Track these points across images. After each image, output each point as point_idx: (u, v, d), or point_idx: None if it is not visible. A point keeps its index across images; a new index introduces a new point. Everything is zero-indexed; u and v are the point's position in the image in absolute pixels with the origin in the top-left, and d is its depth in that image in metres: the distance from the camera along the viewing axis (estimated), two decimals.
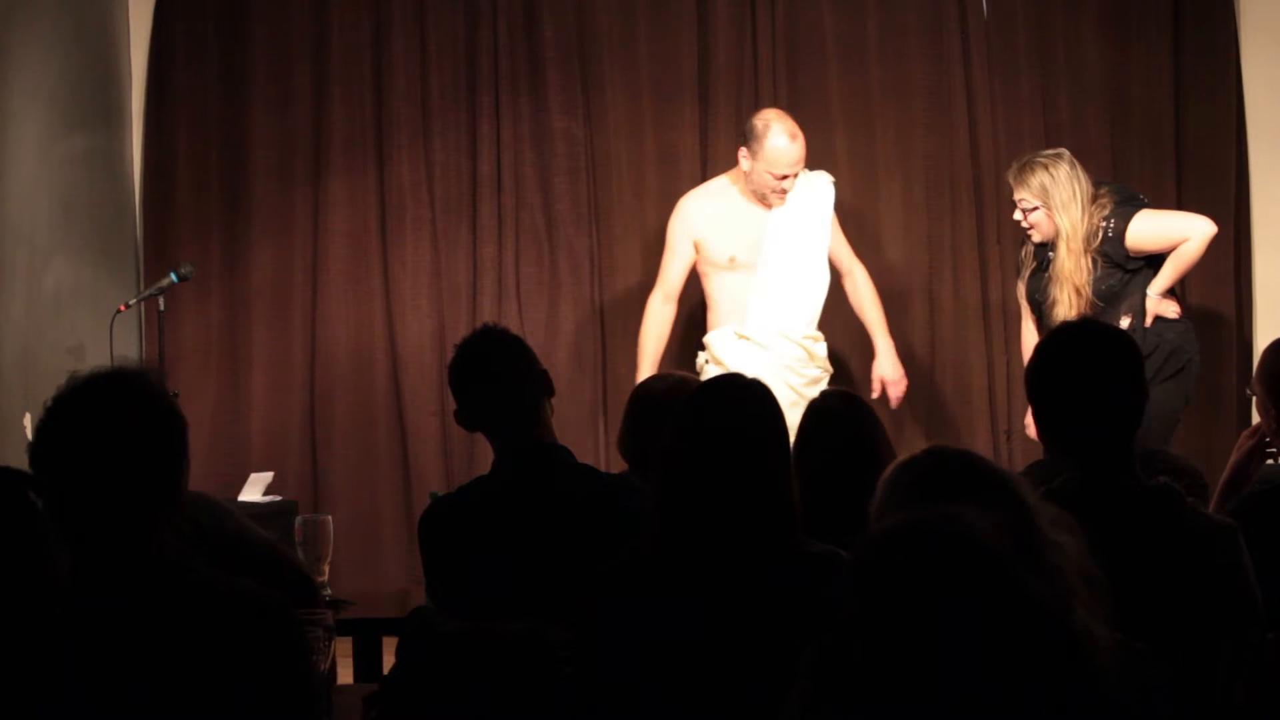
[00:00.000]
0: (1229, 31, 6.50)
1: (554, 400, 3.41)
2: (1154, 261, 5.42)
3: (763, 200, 5.57)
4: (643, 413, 3.84)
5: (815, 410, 3.56)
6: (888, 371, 5.75)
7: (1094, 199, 5.37)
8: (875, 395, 5.69)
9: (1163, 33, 6.51)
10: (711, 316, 5.68)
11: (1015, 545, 1.73)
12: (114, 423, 2.13)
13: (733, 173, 5.68)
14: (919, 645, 1.57)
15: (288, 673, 2.20)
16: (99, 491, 2.13)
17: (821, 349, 5.66)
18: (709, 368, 5.58)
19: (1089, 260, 5.34)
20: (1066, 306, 5.34)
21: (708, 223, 5.62)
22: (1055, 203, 5.33)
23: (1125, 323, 5.34)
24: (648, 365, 5.71)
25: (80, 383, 2.15)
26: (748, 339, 5.54)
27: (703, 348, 5.72)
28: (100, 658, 2.10)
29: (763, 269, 5.56)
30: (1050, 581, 1.78)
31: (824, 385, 5.55)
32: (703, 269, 5.67)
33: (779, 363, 5.48)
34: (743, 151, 5.56)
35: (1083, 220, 5.33)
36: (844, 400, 3.66)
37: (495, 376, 3.33)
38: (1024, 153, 6.45)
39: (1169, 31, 6.51)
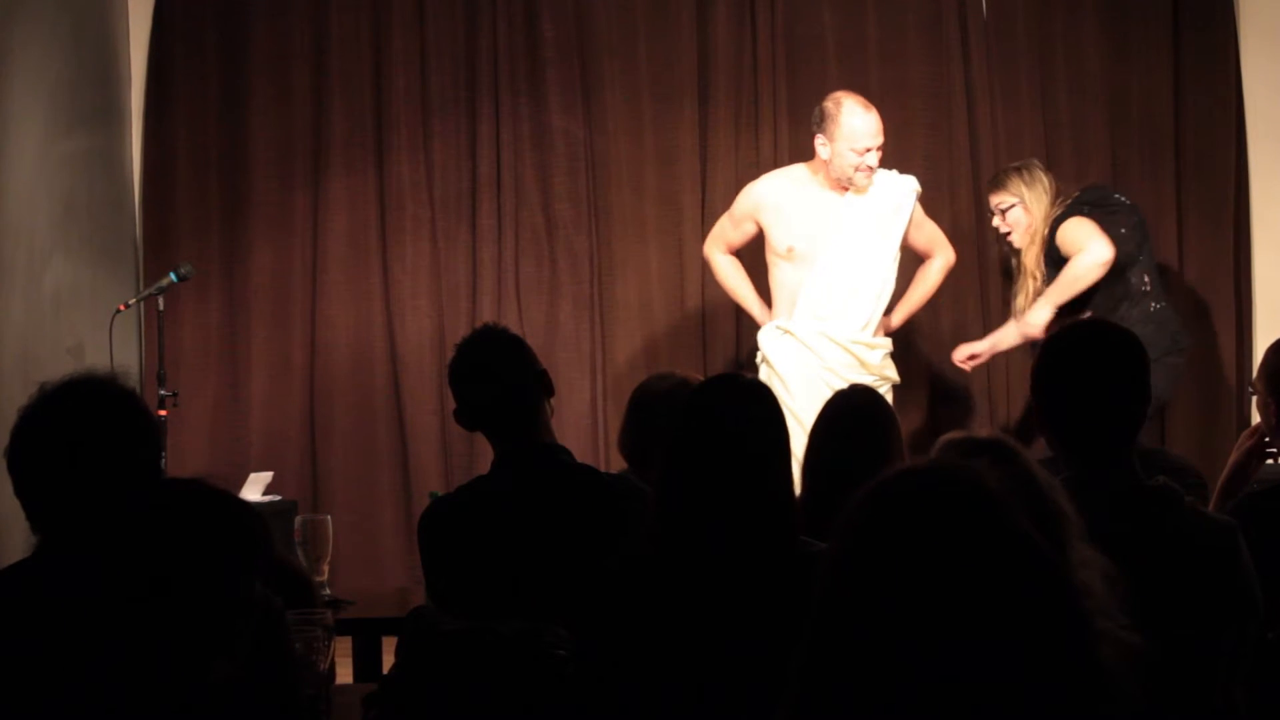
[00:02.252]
0: (1229, 31, 6.51)
1: (554, 400, 3.41)
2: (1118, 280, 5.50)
3: (846, 187, 5.42)
4: (643, 412, 3.84)
5: (834, 405, 3.55)
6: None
7: (1057, 195, 5.54)
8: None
9: (1163, 33, 6.51)
10: (772, 310, 5.58)
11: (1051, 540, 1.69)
12: (82, 424, 2.18)
13: (813, 163, 5.54)
14: (914, 589, 1.52)
15: (269, 661, 2.21)
16: (73, 490, 2.16)
17: (875, 356, 5.46)
18: (762, 367, 5.47)
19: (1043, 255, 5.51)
20: (1025, 297, 5.52)
21: (774, 207, 5.51)
22: (1030, 197, 5.51)
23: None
24: (755, 302, 5.68)
25: (51, 390, 2.20)
26: (791, 334, 5.41)
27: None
28: (84, 651, 2.11)
29: (819, 264, 5.42)
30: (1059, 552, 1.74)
31: (883, 390, 5.36)
32: (767, 258, 5.59)
33: (821, 365, 5.34)
34: (819, 139, 5.44)
35: (1051, 214, 5.50)
36: (865, 397, 3.65)
37: (494, 376, 3.33)
38: (1024, 153, 6.50)
39: (1169, 31, 6.52)
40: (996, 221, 5.63)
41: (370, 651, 4.00)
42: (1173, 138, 6.52)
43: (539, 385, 3.35)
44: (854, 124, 5.38)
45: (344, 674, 4.29)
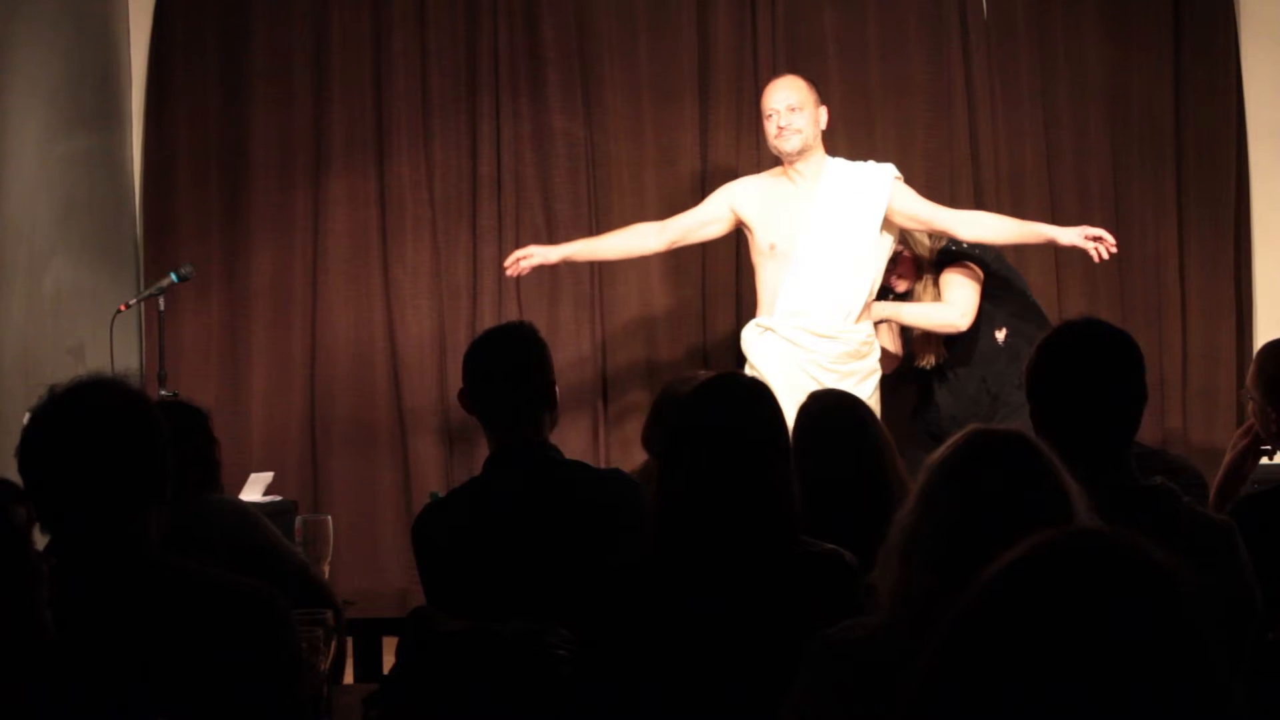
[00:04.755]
0: (1229, 32, 6.52)
1: (556, 413, 3.40)
2: (1007, 294, 5.62)
3: (792, 162, 5.42)
4: (669, 410, 3.84)
5: (809, 411, 3.55)
6: (1074, 235, 5.37)
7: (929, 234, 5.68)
8: (1096, 257, 5.37)
9: (1163, 33, 6.52)
10: (758, 309, 5.55)
11: None
12: (93, 426, 2.22)
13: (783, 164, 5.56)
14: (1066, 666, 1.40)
15: (275, 663, 2.22)
16: (84, 492, 2.18)
17: (860, 334, 5.40)
18: (746, 366, 5.44)
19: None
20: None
21: (756, 203, 5.51)
22: (915, 239, 5.61)
23: (1000, 335, 5.59)
24: (588, 242, 5.75)
25: (61, 391, 2.24)
26: (772, 331, 5.40)
27: None
28: (86, 651, 2.12)
29: (795, 259, 5.41)
30: None
31: (872, 382, 5.41)
32: (753, 258, 5.58)
33: (805, 358, 5.33)
34: None
35: (934, 246, 5.65)
36: (839, 400, 3.65)
37: (510, 369, 3.33)
38: (1024, 152, 6.50)
39: (1169, 31, 6.52)
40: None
41: (370, 651, 4.01)
42: (1173, 138, 6.53)
43: (544, 394, 3.35)
44: (761, 98, 5.52)
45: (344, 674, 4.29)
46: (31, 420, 2.25)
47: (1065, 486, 2.13)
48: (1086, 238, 5.34)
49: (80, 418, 2.23)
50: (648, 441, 4.03)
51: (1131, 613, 1.42)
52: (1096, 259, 5.37)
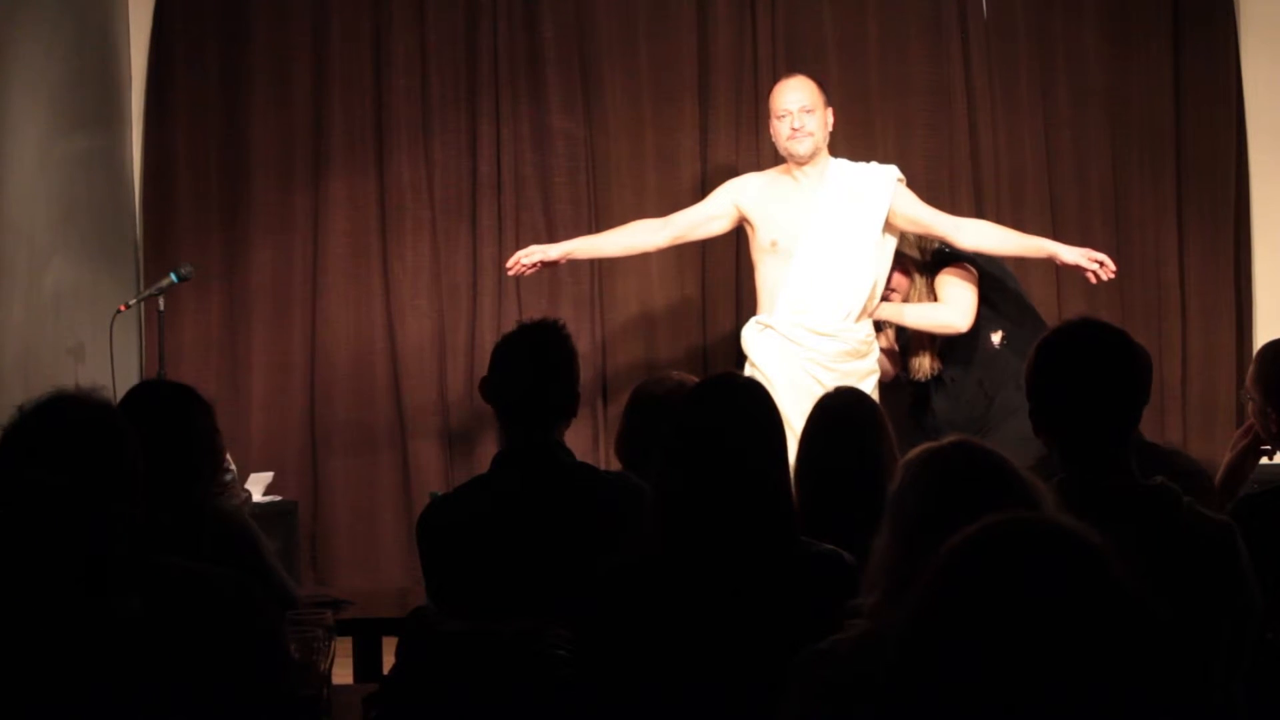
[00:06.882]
0: (1229, 32, 6.52)
1: (571, 420, 3.40)
2: (1001, 296, 5.57)
3: (802, 163, 5.41)
4: (641, 414, 3.84)
5: (821, 409, 3.55)
6: (1077, 255, 5.38)
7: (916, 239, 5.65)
8: (1094, 280, 5.37)
9: (1163, 33, 6.52)
10: (759, 307, 5.52)
11: None
12: (63, 441, 2.33)
13: (786, 164, 5.53)
14: (1016, 650, 1.43)
15: (251, 647, 2.23)
16: (52, 493, 2.22)
17: (860, 332, 5.39)
18: (746, 364, 5.43)
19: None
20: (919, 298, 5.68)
21: (759, 200, 5.48)
22: (904, 239, 5.56)
23: (996, 338, 5.55)
24: (590, 239, 5.74)
25: (30, 409, 2.36)
26: (771, 328, 5.38)
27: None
28: (60, 650, 2.13)
29: (797, 257, 5.39)
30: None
31: (871, 381, 5.37)
32: (753, 255, 5.56)
33: (805, 356, 5.31)
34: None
35: (926, 246, 5.60)
36: (851, 399, 3.65)
37: (528, 366, 3.33)
38: (1024, 153, 6.50)
39: (1169, 32, 6.53)
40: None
41: (370, 651, 4.01)
42: (1173, 138, 6.53)
43: (565, 401, 3.35)
44: (773, 97, 5.48)
45: (344, 674, 4.29)
46: (3, 439, 2.33)
47: (1038, 496, 2.14)
48: (1089, 259, 5.35)
49: (50, 433, 2.32)
50: (620, 447, 3.96)
51: (1057, 591, 1.44)
52: (1094, 281, 5.38)
